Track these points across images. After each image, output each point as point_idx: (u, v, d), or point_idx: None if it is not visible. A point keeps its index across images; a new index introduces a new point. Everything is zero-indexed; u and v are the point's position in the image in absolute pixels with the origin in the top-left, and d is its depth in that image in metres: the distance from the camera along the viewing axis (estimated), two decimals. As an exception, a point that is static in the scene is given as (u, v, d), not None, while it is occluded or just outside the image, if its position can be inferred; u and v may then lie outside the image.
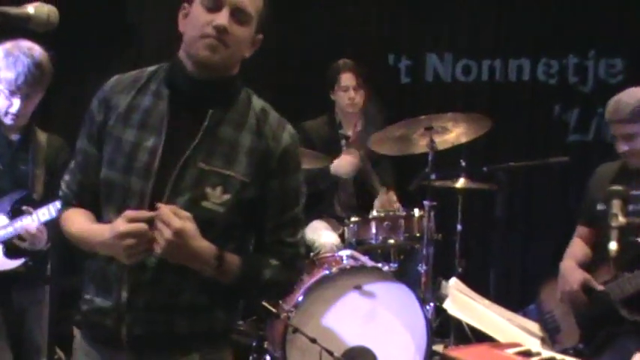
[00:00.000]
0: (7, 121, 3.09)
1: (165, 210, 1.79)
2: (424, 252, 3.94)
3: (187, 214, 1.81)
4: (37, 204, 3.07)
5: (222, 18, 1.86)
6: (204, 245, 1.83)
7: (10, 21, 1.67)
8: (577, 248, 3.32)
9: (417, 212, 4.04)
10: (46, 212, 3.04)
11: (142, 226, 1.79)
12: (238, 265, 1.90)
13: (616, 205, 1.97)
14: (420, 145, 4.09)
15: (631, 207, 3.06)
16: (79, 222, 1.99)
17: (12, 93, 3.01)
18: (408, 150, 4.19)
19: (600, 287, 3.04)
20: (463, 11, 5.38)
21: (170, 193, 1.87)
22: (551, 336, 3.24)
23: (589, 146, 5.12)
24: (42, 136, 3.22)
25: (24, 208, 3.06)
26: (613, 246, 1.94)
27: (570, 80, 5.18)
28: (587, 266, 3.19)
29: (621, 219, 1.94)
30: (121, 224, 1.80)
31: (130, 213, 1.82)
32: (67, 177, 2.08)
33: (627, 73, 5.05)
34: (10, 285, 3.12)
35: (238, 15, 1.89)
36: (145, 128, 1.93)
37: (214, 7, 1.88)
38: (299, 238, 2.02)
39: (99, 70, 4.84)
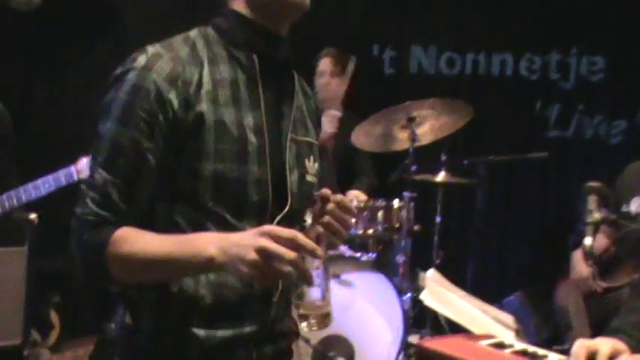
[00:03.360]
0: None
1: (345, 199, 1.58)
2: (403, 243, 3.96)
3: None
4: None
5: None
6: None
7: (-7, 0, 1.66)
8: (602, 251, 3.25)
9: (396, 203, 4.05)
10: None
11: (311, 243, 1.42)
12: None
13: (592, 201, 1.99)
14: (402, 140, 4.10)
15: None
16: (153, 238, 1.51)
17: None
18: (389, 146, 4.18)
19: (602, 284, 3.08)
20: (449, 4, 5.39)
21: (289, 174, 1.65)
22: (562, 333, 3.25)
23: (568, 142, 5.17)
24: None
25: None
26: (588, 242, 1.96)
27: (552, 76, 5.22)
28: (607, 264, 3.20)
29: (596, 215, 1.96)
30: (283, 229, 1.43)
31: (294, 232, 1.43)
32: (93, 193, 1.54)
33: (608, 71, 5.10)
34: None
35: None
36: (239, 104, 1.60)
37: None
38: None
39: (80, 50, 4.85)
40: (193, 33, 1.66)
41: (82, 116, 5.01)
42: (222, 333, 1.58)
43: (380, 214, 4.04)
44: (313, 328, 1.52)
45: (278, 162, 1.63)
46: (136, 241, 1.51)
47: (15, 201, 2.98)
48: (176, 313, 1.57)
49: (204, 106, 1.56)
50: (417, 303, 4.00)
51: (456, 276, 3.95)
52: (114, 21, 5.05)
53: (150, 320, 1.59)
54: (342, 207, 1.56)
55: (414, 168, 4.04)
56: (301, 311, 1.52)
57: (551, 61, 5.21)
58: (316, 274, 1.45)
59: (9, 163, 3.10)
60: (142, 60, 1.56)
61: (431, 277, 3.21)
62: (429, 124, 4.13)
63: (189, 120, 1.54)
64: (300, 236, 1.41)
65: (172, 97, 1.54)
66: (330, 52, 4.53)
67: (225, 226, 1.54)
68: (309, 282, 1.43)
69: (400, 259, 3.94)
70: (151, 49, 1.58)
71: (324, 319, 1.52)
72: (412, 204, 4.00)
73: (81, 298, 4.97)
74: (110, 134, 1.53)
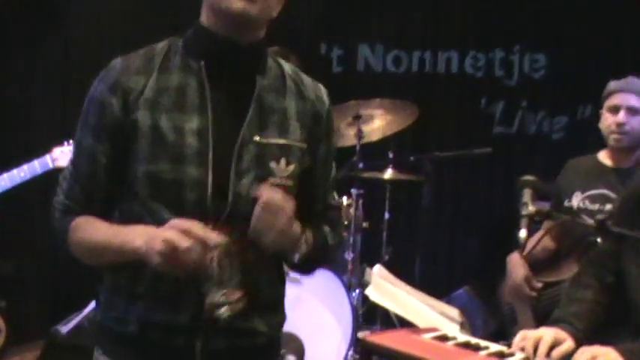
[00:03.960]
0: None
1: (275, 195, 1.62)
2: (351, 240, 4.00)
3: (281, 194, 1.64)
4: None
5: None
6: (296, 223, 1.71)
7: None
8: (536, 241, 3.28)
9: (344, 201, 4.09)
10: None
11: (207, 233, 1.55)
12: (311, 237, 1.79)
13: (527, 193, 2.03)
14: (349, 136, 4.14)
15: (595, 206, 3.13)
16: (101, 227, 1.71)
17: None
18: (337, 142, 4.21)
19: (539, 285, 3.12)
20: (394, 3, 5.44)
21: (235, 176, 1.69)
22: (508, 327, 3.30)
23: (512, 138, 5.26)
24: None
25: None
26: (522, 234, 2.01)
27: (496, 74, 5.30)
28: (550, 260, 3.24)
29: (530, 208, 2.01)
30: (186, 222, 1.57)
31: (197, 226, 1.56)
32: (64, 185, 1.79)
33: (550, 68, 5.20)
34: None
35: None
36: (183, 109, 1.70)
37: None
38: (338, 200, 2.00)
39: (24, 50, 4.79)
40: (162, 43, 1.80)
41: (30, 113, 4.99)
42: (158, 317, 1.70)
43: (328, 211, 4.08)
44: (227, 314, 1.63)
45: (225, 164, 1.69)
46: (87, 229, 1.73)
47: None
48: (124, 292, 1.74)
49: (140, 113, 1.70)
50: (366, 299, 4.05)
51: (405, 272, 4.01)
52: (58, 24, 5.00)
53: (105, 297, 1.79)
54: (267, 208, 1.61)
55: (361, 165, 4.09)
56: (210, 299, 1.62)
57: (496, 59, 5.30)
58: (217, 264, 1.59)
59: None
60: (101, 73, 1.77)
61: (377, 272, 3.25)
62: (376, 123, 4.19)
63: (127, 125, 1.70)
64: (194, 227, 1.55)
65: (114, 102, 1.71)
66: (278, 51, 4.52)
67: (162, 222, 1.63)
68: (203, 270, 1.58)
69: (349, 255, 3.98)
70: (113, 61, 1.77)
71: (236, 303, 1.64)
72: (360, 201, 4.05)
73: (28, 303, 4.92)
74: (76, 137, 1.80)
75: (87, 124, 1.75)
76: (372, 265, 3.79)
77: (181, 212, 1.65)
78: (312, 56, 5.43)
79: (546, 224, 3.28)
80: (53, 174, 3.91)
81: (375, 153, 4.31)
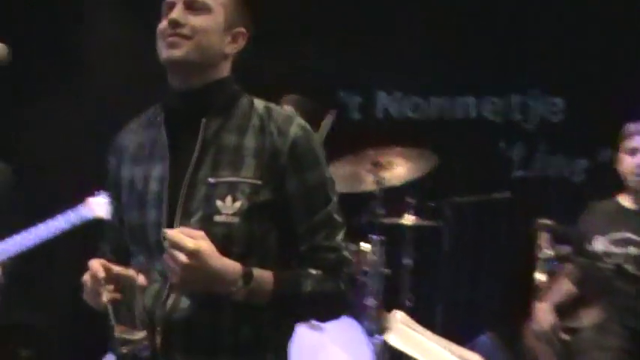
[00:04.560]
0: None
1: (173, 233, 1.63)
2: (373, 286, 3.98)
3: (200, 232, 1.65)
4: None
5: (174, 12, 1.78)
6: (226, 263, 1.66)
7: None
8: (560, 287, 3.24)
9: (364, 247, 4.08)
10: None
11: (98, 269, 1.66)
12: (270, 281, 1.71)
13: (544, 237, 2.04)
14: (368, 182, 4.15)
15: (619, 249, 3.10)
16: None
17: None
18: (356, 187, 4.24)
19: (565, 337, 3.09)
20: (411, 49, 5.49)
21: (182, 215, 1.74)
22: None
23: (532, 182, 5.25)
24: None
25: None
26: (540, 277, 2.01)
27: (514, 117, 5.32)
28: (572, 305, 3.21)
29: (547, 251, 2.01)
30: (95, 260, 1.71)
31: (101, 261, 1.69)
32: (101, 241, 1.98)
33: (568, 111, 5.21)
34: None
35: (192, 5, 1.79)
36: (152, 160, 1.83)
37: (169, 8, 1.81)
38: (339, 241, 1.81)
39: (48, 98, 4.87)
40: (157, 105, 1.92)
41: (49, 162, 5.04)
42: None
43: (349, 257, 4.07)
44: (124, 351, 1.67)
45: (176, 206, 1.77)
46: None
47: (20, 246, 2.99)
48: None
49: (124, 168, 1.88)
50: (387, 346, 4.01)
51: (427, 317, 3.98)
52: (77, 73, 5.08)
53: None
54: (172, 244, 1.63)
55: (381, 211, 4.09)
56: (116, 335, 1.68)
57: (513, 103, 5.31)
58: (111, 302, 1.65)
59: (9, 220, 3.13)
60: None
61: (398, 318, 3.23)
62: (395, 169, 4.20)
63: (117, 180, 1.89)
64: (92, 267, 1.67)
65: (112, 162, 1.92)
66: (291, 99, 4.56)
67: (140, 265, 1.79)
68: (99, 307, 1.68)
69: (370, 302, 3.96)
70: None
71: (137, 342, 1.67)
72: (381, 247, 4.04)
73: (52, 352, 4.93)
74: None
75: (108, 187, 1.95)
76: (392, 312, 3.77)
77: (150, 254, 1.79)
78: (330, 103, 5.48)
79: (567, 268, 3.26)
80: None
81: (394, 199, 4.31)
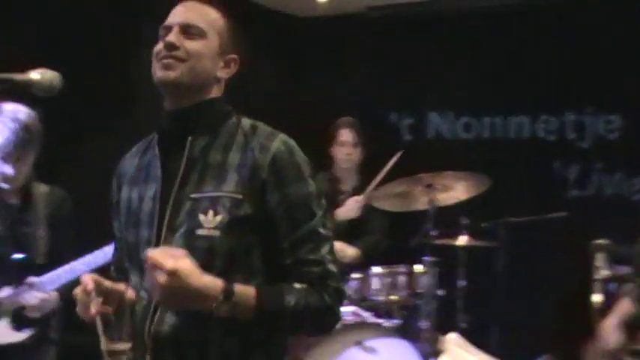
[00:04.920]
0: (4, 186, 3.10)
1: (153, 253, 1.68)
2: (426, 308, 3.96)
3: (181, 251, 1.70)
4: (41, 268, 3.05)
5: (170, 36, 1.86)
6: (206, 281, 1.69)
7: (14, 87, 1.74)
8: (621, 308, 3.19)
9: (418, 268, 4.07)
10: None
11: (89, 285, 1.74)
12: (253, 296, 1.73)
13: (600, 258, 2.00)
14: (421, 201, 4.14)
15: None
16: None
17: (3, 159, 3.02)
18: (409, 206, 4.23)
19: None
20: (464, 69, 5.48)
21: (167, 231, 1.81)
22: None
23: (589, 201, 5.16)
24: (42, 192, 3.19)
25: (27, 281, 3.01)
26: (597, 298, 1.97)
27: (569, 136, 5.25)
28: (634, 326, 3.15)
29: (603, 272, 1.97)
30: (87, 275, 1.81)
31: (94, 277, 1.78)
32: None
33: (624, 130, 5.12)
34: (13, 355, 3.06)
35: (188, 30, 1.87)
36: (147, 180, 1.91)
37: (166, 32, 1.89)
38: (324, 254, 1.82)
39: (103, 129, 4.98)
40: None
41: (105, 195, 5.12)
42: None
43: (402, 279, 4.06)
44: None
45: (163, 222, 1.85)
46: None
47: (75, 273, 3.05)
48: None
49: (123, 189, 1.97)
50: (443, 368, 3.97)
51: (482, 339, 3.93)
52: (135, 101, 5.18)
53: None
54: (152, 264, 1.67)
55: (434, 232, 4.07)
56: (103, 346, 1.74)
57: (567, 121, 5.25)
58: (101, 316, 1.73)
59: (65, 245, 3.20)
60: None
61: (452, 340, 3.20)
62: (448, 190, 4.17)
63: (118, 201, 1.98)
64: (83, 281, 1.76)
65: (114, 186, 2.02)
66: (349, 122, 4.61)
67: (134, 284, 1.87)
68: (88, 319, 1.75)
69: (424, 324, 3.94)
70: None
71: (119, 354, 1.74)
72: (434, 268, 4.02)
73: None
74: None
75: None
76: (447, 333, 3.73)
77: (142, 271, 1.83)
78: (381, 125, 5.50)
79: (626, 288, 3.18)
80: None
81: (448, 219, 4.29)
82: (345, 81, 5.80)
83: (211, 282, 1.69)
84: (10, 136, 2.98)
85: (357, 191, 4.50)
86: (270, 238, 1.81)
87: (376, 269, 4.12)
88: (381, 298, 4.04)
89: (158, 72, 1.86)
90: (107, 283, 1.77)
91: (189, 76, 1.85)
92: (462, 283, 4.27)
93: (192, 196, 1.82)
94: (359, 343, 3.57)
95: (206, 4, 1.94)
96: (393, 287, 4.03)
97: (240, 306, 1.71)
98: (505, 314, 4.72)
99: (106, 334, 1.72)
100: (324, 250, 1.83)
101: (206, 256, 1.75)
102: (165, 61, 1.84)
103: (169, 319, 1.79)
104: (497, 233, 4.38)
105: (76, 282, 2.98)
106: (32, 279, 3.01)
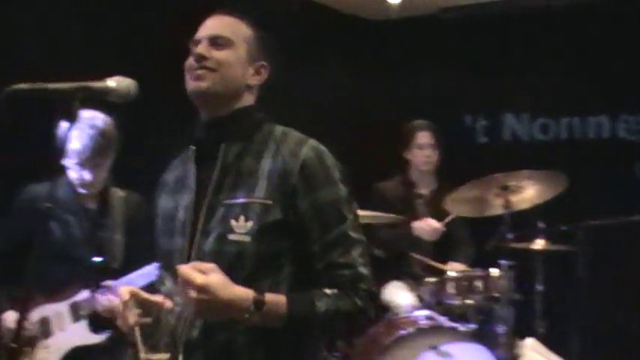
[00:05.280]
0: (82, 191, 3.17)
1: (183, 270, 1.72)
2: (503, 313, 3.89)
3: (211, 265, 1.73)
4: (117, 272, 3.09)
5: (199, 48, 1.92)
6: (237, 292, 1.73)
7: (92, 94, 1.79)
8: None
9: (494, 272, 4.00)
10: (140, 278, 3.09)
11: (124, 297, 1.83)
12: (283, 304, 1.77)
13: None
14: (496, 206, 4.07)
15: None
16: None
17: (81, 165, 3.08)
18: (483, 211, 4.16)
19: None
20: (540, 69, 5.38)
21: (201, 236, 1.86)
22: None
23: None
24: (119, 198, 3.25)
25: (104, 283, 3.04)
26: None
27: (650, 135, 5.10)
28: None
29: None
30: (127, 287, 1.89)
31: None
32: None
33: None
34: (91, 356, 3.11)
35: (216, 41, 1.92)
36: (183, 190, 1.97)
37: (195, 45, 1.95)
38: (355, 257, 1.84)
39: (178, 134, 5.06)
40: None
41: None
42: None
43: (478, 283, 4.00)
44: None
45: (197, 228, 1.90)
46: None
47: (144, 279, 3.10)
48: None
49: (161, 200, 2.04)
50: (520, 374, 3.90)
51: (561, 346, 3.85)
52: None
53: None
54: (182, 280, 1.71)
55: (510, 236, 4.00)
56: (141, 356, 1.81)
57: (649, 121, 5.10)
58: (139, 326, 1.79)
59: (141, 250, 3.26)
60: None
61: (529, 346, 3.14)
62: (524, 192, 4.10)
63: (156, 211, 2.04)
64: (119, 293, 1.84)
65: (155, 195, 2.08)
66: (427, 125, 4.58)
67: (168, 290, 1.92)
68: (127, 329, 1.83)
69: (501, 329, 3.87)
70: None
71: None
72: (511, 272, 3.95)
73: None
74: None
75: None
76: (524, 339, 3.67)
77: (175, 279, 1.81)
78: (456, 128, 5.45)
79: None
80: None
81: (524, 223, 4.21)
82: (419, 83, 5.77)
83: (242, 293, 1.74)
84: (88, 143, 3.05)
85: (434, 195, 4.47)
86: (300, 242, 1.85)
87: (452, 273, 4.08)
88: (457, 302, 3.99)
89: (190, 84, 1.91)
90: (145, 295, 1.84)
91: (221, 85, 1.90)
92: (539, 287, 4.18)
93: (226, 202, 1.87)
94: (434, 348, 3.54)
95: (232, 15, 1.99)
96: (468, 291, 3.98)
97: (271, 315, 1.75)
98: (586, 320, 4.61)
99: (144, 344, 1.77)
100: (355, 253, 1.85)
101: (236, 260, 1.81)
102: (196, 72, 1.90)
103: (199, 323, 1.84)
104: (576, 237, 4.28)
105: (149, 286, 3.05)
106: (109, 282, 3.08)
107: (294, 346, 1.85)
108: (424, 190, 4.56)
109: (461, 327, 3.83)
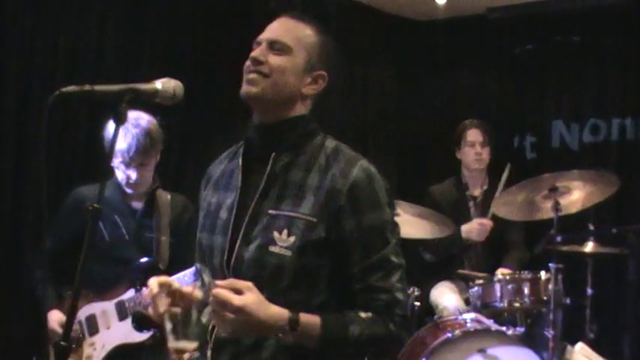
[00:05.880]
0: (128, 190, 3.21)
1: (219, 291, 1.71)
2: (552, 316, 3.83)
3: (248, 283, 1.73)
4: (164, 273, 3.05)
5: (256, 51, 1.90)
6: (273, 312, 1.74)
7: (140, 96, 1.81)
8: None
9: (543, 275, 3.94)
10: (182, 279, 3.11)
11: (154, 287, 1.82)
12: (319, 326, 1.77)
13: None
14: (545, 209, 4.01)
15: None
16: None
17: (127, 165, 3.11)
18: (532, 215, 4.10)
19: None
20: (590, 69, 5.30)
21: (241, 242, 1.87)
22: None
23: None
24: (165, 199, 3.28)
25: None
26: None
27: None
28: None
29: None
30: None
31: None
32: None
33: None
34: (135, 354, 3.15)
35: (274, 46, 1.90)
36: (228, 188, 1.97)
37: (255, 48, 1.93)
38: (393, 282, 1.85)
39: (225, 135, 5.09)
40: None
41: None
42: None
43: (526, 286, 3.94)
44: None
45: (239, 233, 1.89)
46: None
47: (190, 280, 3.12)
48: None
49: (206, 194, 2.04)
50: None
51: (612, 351, 3.78)
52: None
53: None
54: (218, 300, 1.71)
55: (559, 239, 3.93)
56: (169, 345, 1.80)
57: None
58: (169, 315, 1.79)
59: (187, 251, 3.29)
60: None
61: (579, 350, 3.09)
62: (574, 194, 4.03)
63: (201, 204, 2.06)
64: (149, 283, 1.82)
65: (201, 187, 2.09)
66: (477, 123, 4.56)
67: (207, 281, 1.96)
68: (158, 319, 1.82)
69: (549, 333, 3.81)
70: None
71: (185, 354, 1.79)
72: (559, 276, 3.88)
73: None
74: None
75: None
76: (574, 343, 3.61)
77: (213, 274, 1.93)
78: (504, 129, 5.39)
79: None
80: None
81: (574, 226, 4.14)
82: (466, 84, 5.72)
83: (278, 313, 1.75)
84: (133, 143, 3.07)
85: (486, 196, 4.43)
86: (340, 261, 1.84)
87: (500, 275, 4.03)
88: (504, 305, 3.94)
89: (243, 87, 1.90)
90: (176, 285, 1.84)
91: (272, 92, 1.88)
92: (589, 291, 4.10)
93: (270, 212, 1.86)
94: (482, 351, 3.51)
95: (298, 20, 1.95)
96: (517, 294, 3.92)
97: (306, 335, 1.76)
98: (637, 324, 4.51)
99: (173, 332, 1.77)
100: (394, 278, 1.85)
101: (275, 272, 1.82)
102: (249, 76, 1.89)
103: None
104: (628, 239, 4.18)
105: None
106: None
107: (321, 358, 1.85)
108: (476, 191, 4.53)
109: (508, 330, 3.79)
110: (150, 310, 1.85)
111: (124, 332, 3.14)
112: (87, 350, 3.13)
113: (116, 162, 3.12)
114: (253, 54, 1.90)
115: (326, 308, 1.83)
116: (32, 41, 3.99)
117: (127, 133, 3.07)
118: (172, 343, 1.77)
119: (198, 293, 1.83)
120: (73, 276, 1.74)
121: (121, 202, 3.22)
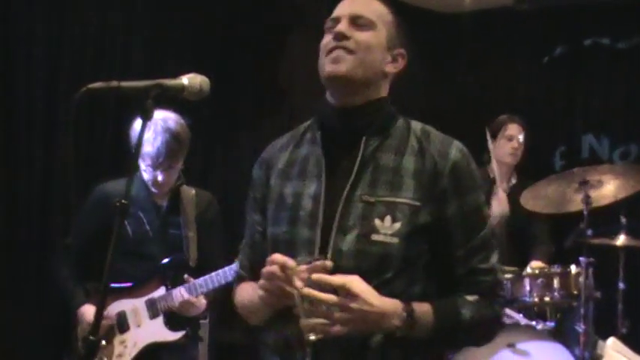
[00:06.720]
0: (153, 190, 3.20)
1: (336, 279, 1.63)
2: (583, 311, 3.78)
3: (355, 276, 1.64)
4: (193, 270, 3.12)
5: (340, 26, 1.80)
6: (389, 301, 1.67)
7: (166, 92, 1.80)
8: None
9: (573, 269, 3.89)
10: (215, 279, 3.09)
11: (276, 267, 1.67)
12: (431, 313, 1.71)
13: None
14: (575, 202, 3.96)
15: None
16: (248, 292, 1.88)
17: (154, 168, 3.09)
18: (562, 208, 4.05)
19: None
20: (619, 58, 5.23)
21: (337, 233, 1.74)
22: None
23: None
24: (190, 195, 3.25)
25: (185, 277, 3.08)
26: None
27: None
28: None
29: None
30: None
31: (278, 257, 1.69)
32: (240, 255, 2.01)
33: None
34: (163, 353, 3.16)
35: (357, 21, 1.81)
36: (305, 177, 1.84)
37: (334, 24, 1.83)
38: (494, 263, 1.80)
39: (252, 132, 5.10)
40: (308, 122, 1.94)
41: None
42: None
43: (556, 280, 3.89)
44: (312, 338, 1.66)
45: (332, 223, 1.76)
46: (241, 292, 1.95)
47: (220, 281, 3.12)
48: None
49: (272, 182, 1.89)
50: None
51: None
52: (282, 106, 5.27)
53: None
54: (339, 289, 1.63)
55: (590, 232, 3.88)
56: (301, 323, 1.67)
57: None
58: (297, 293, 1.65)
59: (213, 248, 3.29)
60: None
61: (611, 345, 3.04)
62: (605, 187, 3.98)
63: (265, 193, 1.90)
64: (277, 257, 1.68)
65: (258, 176, 1.94)
66: (518, 118, 4.54)
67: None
68: (287, 298, 1.69)
69: (580, 327, 3.76)
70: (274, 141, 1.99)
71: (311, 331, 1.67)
72: (590, 269, 3.83)
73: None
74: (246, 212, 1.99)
75: (248, 201, 1.97)
76: (606, 338, 3.56)
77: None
78: (534, 124, 5.34)
79: None
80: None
81: (605, 219, 4.08)
82: (494, 77, 5.67)
83: (393, 303, 1.68)
84: (162, 147, 3.04)
85: (513, 190, 4.41)
86: (439, 246, 1.78)
87: (530, 269, 3.99)
88: (534, 299, 3.90)
89: (327, 67, 1.80)
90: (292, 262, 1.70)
91: (359, 70, 1.78)
92: (622, 285, 4.05)
93: (365, 198, 1.76)
94: (511, 346, 3.47)
95: None
96: (546, 288, 3.88)
97: (420, 324, 1.69)
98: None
99: (304, 311, 1.66)
100: (494, 258, 1.81)
101: (380, 262, 1.72)
102: (334, 54, 1.78)
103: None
104: (660, 233, 4.12)
105: (225, 287, 3.07)
106: (188, 277, 3.09)
107: (425, 353, 1.79)
108: (503, 187, 4.48)
109: (538, 325, 3.75)
110: (263, 296, 1.72)
111: (155, 330, 3.13)
112: (118, 348, 3.13)
113: (143, 165, 3.11)
114: (338, 28, 1.79)
115: (425, 297, 1.75)
116: (60, 38, 4.02)
117: (156, 137, 3.03)
118: (305, 321, 1.66)
119: (329, 263, 1.68)
120: (97, 272, 1.73)
121: (145, 199, 3.21)
